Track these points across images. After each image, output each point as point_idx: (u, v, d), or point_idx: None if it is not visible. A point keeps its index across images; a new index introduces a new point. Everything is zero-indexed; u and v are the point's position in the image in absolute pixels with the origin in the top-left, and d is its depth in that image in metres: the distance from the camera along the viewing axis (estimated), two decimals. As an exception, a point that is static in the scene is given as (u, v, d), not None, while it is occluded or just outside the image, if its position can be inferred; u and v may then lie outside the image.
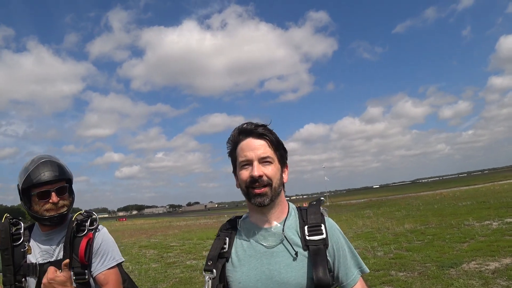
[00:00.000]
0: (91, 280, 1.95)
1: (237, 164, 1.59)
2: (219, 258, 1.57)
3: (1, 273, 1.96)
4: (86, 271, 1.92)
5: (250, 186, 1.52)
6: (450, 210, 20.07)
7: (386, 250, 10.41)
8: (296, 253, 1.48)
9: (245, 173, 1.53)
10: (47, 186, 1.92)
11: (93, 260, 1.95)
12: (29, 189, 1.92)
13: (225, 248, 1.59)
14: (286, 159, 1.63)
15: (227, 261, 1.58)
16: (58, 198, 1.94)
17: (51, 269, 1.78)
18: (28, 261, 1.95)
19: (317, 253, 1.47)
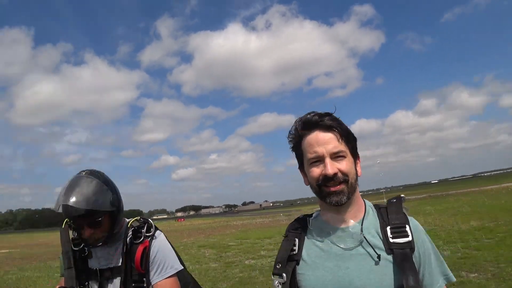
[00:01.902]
0: None
1: (305, 160, 1.41)
2: (288, 261, 1.42)
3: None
4: (144, 279, 1.86)
5: (323, 185, 1.34)
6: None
7: (453, 249, 9.90)
8: (379, 257, 1.29)
9: (316, 171, 1.35)
10: (78, 220, 1.81)
11: (150, 269, 1.88)
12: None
13: (294, 250, 1.43)
14: (357, 148, 1.43)
15: (298, 264, 1.41)
16: (90, 233, 1.83)
17: None
18: (90, 266, 1.94)
19: (404, 258, 1.28)
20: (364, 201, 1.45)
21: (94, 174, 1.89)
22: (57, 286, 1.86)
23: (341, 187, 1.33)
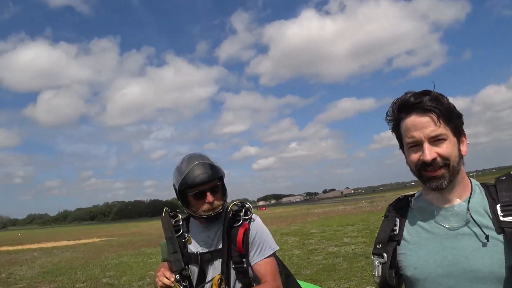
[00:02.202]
0: (249, 269, 1.98)
1: (404, 143, 1.36)
2: (389, 241, 1.40)
3: (163, 262, 2.12)
4: (244, 259, 1.96)
5: (423, 169, 1.30)
6: None
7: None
8: (487, 237, 1.22)
9: (414, 156, 1.31)
10: (202, 187, 1.95)
11: (250, 250, 1.98)
12: (185, 190, 1.99)
13: (395, 230, 1.41)
14: (462, 125, 1.33)
15: (399, 244, 1.39)
16: (213, 198, 1.97)
17: None
18: (189, 251, 2.05)
19: None
20: (470, 180, 1.38)
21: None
22: (161, 269, 1.95)
23: (441, 172, 1.28)
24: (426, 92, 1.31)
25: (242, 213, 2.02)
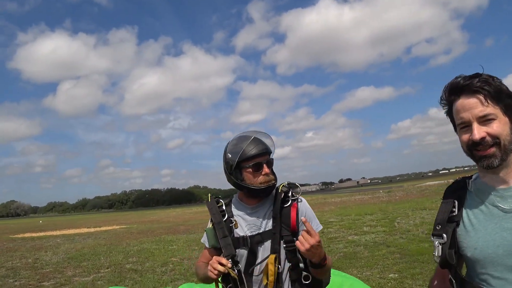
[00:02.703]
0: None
1: (456, 125, 1.43)
2: (448, 222, 1.45)
3: (211, 248, 2.14)
4: (294, 238, 2.01)
5: (474, 149, 1.35)
6: None
7: None
8: None
9: (465, 136, 1.37)
10: (259, 158, 2.07)
11: (300, 229, 2.05)
12: (242, 162, 2.07)
13: (454, 211, 1.46)
14: None
15: (458, 225, 1.44)
16: (269, 170, 2.09)
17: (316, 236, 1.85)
18: (236, 235, 2.11)
19: None
20: None
21: None
22: (215, 257, 1.97)
23: (492, 150, 1.32)
24: (475, 75, 1.37)
25: (290, 194, 2.11)
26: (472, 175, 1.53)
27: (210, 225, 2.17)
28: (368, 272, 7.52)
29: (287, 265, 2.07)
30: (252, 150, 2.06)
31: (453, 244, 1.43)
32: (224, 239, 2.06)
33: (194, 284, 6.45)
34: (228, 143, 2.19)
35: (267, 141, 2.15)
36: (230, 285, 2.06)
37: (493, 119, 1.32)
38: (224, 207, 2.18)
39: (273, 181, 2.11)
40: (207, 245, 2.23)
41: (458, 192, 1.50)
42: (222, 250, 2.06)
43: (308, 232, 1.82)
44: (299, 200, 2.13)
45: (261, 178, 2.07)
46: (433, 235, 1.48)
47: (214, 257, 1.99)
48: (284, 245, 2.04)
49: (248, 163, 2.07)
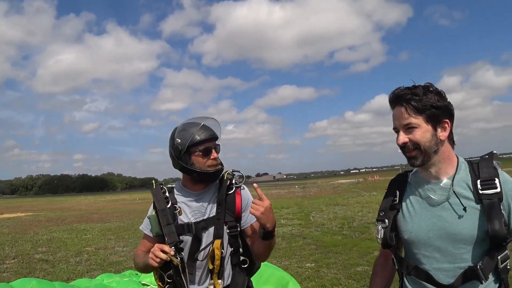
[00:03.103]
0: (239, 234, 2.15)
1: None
2: (390, 209, 1.73)
3: (155, 236, 2.12)
4: (238, 224, 2.13)
5: (402, 150, 1.65)
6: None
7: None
8: (466, 207, 1.54)
9: (396, 140, 1.65)
10: (209, 143, 2.13)
11: (242, 215, 2.16)
12: (190, 148, 2.11)
13: (396, 200, 1.74)
14: (444, 114, 1.61)
15: (398, 212, 1.72)
16: (217, 155, 2.16)
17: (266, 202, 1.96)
18: (180, 222, 2.13)
19: (491, 206, 1.51)
20: (457, 158, 1.69)
21: None
22: (157, 244, 1.99)
23: (413, 153, 1.61)
24: (408, 88, 1.63)
25: (234, 182, 2.20)
26: (413, 169, 1.78)
27: (153, 212, 2.15)
28: (286, 262, 7.88)
29: (229, 250, 2.15)
30: (202, 135, 2.11)
31: (393, 228, 1.71)
32: (168, 226, 2.07)
33: (113, 274, 6.33)
34: (175, 129, 2.20)
35: (215, 127, 2.22)
36: (169, 272, 2.08)
37: (415, 128, 1.59)
38: (167, 194, 2.19)
39: (220, 166, 2.18)
40: (147, 233, 2.23)
41: (400, 183, 1.79)
42: (165, 237, 2.07)
43: (259, 198, 1.96)
44: (242, 188, 2.22)
45: (209, 162, 2.12)
46: (377, 220, 1.76)
47: (156, 244, 1.99)
48: (228, 231, 2.11)
49: (197, 147, 2.11)
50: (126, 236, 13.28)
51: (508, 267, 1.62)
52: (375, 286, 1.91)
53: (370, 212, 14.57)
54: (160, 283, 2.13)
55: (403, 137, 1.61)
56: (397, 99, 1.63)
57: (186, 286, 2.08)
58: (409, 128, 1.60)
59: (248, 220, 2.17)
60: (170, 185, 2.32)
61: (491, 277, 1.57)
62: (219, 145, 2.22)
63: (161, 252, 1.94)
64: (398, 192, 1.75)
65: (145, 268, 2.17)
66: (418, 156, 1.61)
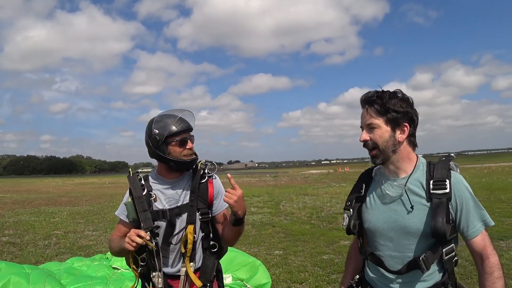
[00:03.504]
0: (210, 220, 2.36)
1: None
2: (356, 200, 1.97)
3: (131, 221, 2.26)
4: (209, 211, 2.33)
5: (366, 148, 1.86)
6: (500, 184, 19.65)
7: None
8: (418, 203, 1.76)
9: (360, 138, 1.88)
10: (185, 134, 2.28)
11: (214, 202, 2.35)
12: (168, 138, 2.24)
13: (361, 192, 1.97)
14: (403, 118, 1.80)
15: (362, 203, 1.95)
16: (192, 145, 2.32)
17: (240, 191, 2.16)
18: (155, 208, 2.27)
19: (438, 205, 1.72)
20: (418, 158, 1.88)
21: None
22: (133, 230, 2.12)
23: (373, 152, 1.83)
24: (377, 91, 1.84)
25: (206, 171, 2.37)
26: (379, 166, 1.97)
27: (129, 199, 2.27)
28: (255, 249, 8.09)
29: (201, 234, 2.33)
30: (179, 127, 2.25)
31: (357, 217, 1.95)
32: (144, 213, 2.21)
33: (83, 258, 6.36)
34: (152, 120, 2.31)
35: (191, 120, 2.36)
36: (143, 256, 2.23)
37: (375, 128, 1.80)
38: (143, 182, 2.31)
39: (195, 156, 2.34)
40: (123, 218, 2.35)
41: (367, 177, 2.02)
42: (141, 223, 2.20)
43: (232, 187, 2.14)
44: (214, 177, 2.39)
45: (185, 152, 2.27)
46: (344, 209, 2.00)
47: (132, 230, 2.12)
48: (200, 217, 2.28)
49: (174, 138, 2.24)
50: (96, 220, 13.20)
51: (456, 258, 1.84)
52: (348, 267, 2.17)
53: (338, 203, 14.94)
54: (134, 266, 2.27)
55: (365, 135, 1.84)
56: (365, 101, 1.85)
57: (159, 269, 2.23)
58: (371, 128, 1.81)
59: (219, 207, 2.37)
60: (144, 171, 2.45)
61: (435, 267, 1.79)
62: (193, 136, 2.36)
63: (137, 237, 2.08)
64: (364, 185, 1.99)
65: (120, 252, 2.29)
66: (379, 155, 1.82)
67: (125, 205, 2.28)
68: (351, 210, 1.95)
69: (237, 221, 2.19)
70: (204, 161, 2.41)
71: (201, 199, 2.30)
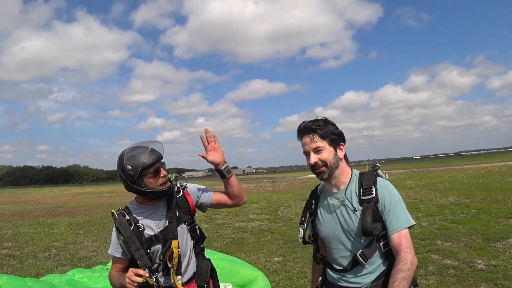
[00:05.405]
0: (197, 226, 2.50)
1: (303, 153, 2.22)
2: (309, 215, 2.31)
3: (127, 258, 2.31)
4: (194, 220, 2.48)
5: (312, 169, 2.16)
6: (496, 185, 19.71)
7: (431, 221, 10.62)
8: (355, 209, 2.10)
9: (307, 161, 2.16)
10: (157, 164, 2.30)
11: (199, 200, 2.52)
12: (141, 172, 2.26)
13: (313, 207, 2.31)
14: (339, 139, 2.16)
15: (315, 217, 2.29)
16: (165, 172, 2.35)
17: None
18: (147, 236, 2.32)
19: (366, 208, 2.06)
20: (352, 171, 2.24)
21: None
22: (131, 269, 2.16)
23: (322, 169, 2.14)
24: (313, 120, 2.17)
25: (179, 185, 2.48)
26: (321, 184, 2.34)
27: (121, 237, 2.28)
28: (255, 256, 8.15)
29: (191, 242, 2.46)
30: (150, 159, 2.27)
31: (311, 229, 2.33)
32: (138, 251, 2.25)
33: (84, 269, 6.38)
34: (123, 154, 2.33)
35: (160, 149, 2.38)
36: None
37: (322, 149, 2.12)
38: (127, 217, 2.34)
39: (169, 182, 2.37)
40: (117, 255, 2.37)
41: (315, 195, 2.36)
42: (137, 261, 2.25)
43: (207, 139, 2.46)
44: (186, 186, 2.51)
45: (160, 180, 2.31)
46: (300, 223, 2.33)
47: (130, 269, 2.17)
48: (188, 227, 2.43)
49: (148, 170, 2.27)
50: (95, 230, 13.24)
51: None
52: (315, 273, 2.49)
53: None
54: None
55: (315, 158, 2.12)
56: (306, 129, 2.15)
57: None
58: (318, 151, 2.12)
59: (208, 197, 2.55)
60: (125, 206, 2.48)
61: (379, 260, 2.10)
62: (164, 162, 2.40)
63: (136, 276, 2.14)
64: (314, 201, 2.32)
65: None
66: (326, 171, 2.13)
67: (120, 245, 2.31)
68: (305, 224, 2.29)
69: (221, 172, 2.47)
70: (174, 177, 2.48)
71: (184, 211, 2.42)
